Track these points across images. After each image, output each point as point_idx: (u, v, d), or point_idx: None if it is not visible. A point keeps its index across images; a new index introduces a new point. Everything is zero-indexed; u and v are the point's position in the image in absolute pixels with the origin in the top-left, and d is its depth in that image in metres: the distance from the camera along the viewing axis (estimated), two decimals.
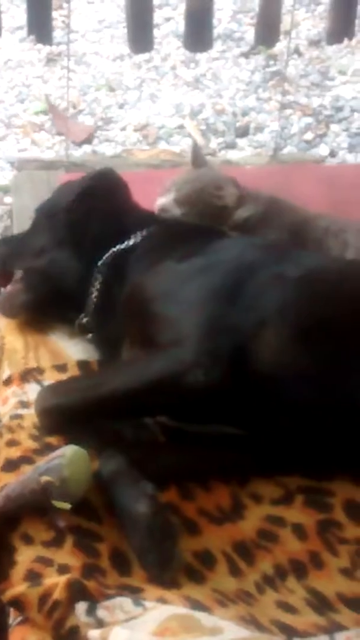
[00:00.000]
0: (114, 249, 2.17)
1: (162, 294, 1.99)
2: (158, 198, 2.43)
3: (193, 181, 2.44)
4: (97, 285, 2.16)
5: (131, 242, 2.18)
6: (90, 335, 2.20)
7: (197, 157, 2.54)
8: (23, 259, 2.28)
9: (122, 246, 2.17)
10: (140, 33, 4.35)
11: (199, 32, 4.33)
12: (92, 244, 2.19)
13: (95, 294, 2.16)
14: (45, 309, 2.28)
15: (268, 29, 4.44)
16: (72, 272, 2.20)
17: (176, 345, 1.86)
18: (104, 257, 2.17)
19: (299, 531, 1.82)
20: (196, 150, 2.59)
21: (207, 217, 2.37)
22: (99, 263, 2.16)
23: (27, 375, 2.12)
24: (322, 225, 2.38)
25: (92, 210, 2.22)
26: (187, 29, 4.29)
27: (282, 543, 1.79)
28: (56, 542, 1.70)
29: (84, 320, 2.18)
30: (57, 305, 2.26)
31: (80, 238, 2.21)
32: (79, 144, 4.05)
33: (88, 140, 4.09)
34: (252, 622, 1.59)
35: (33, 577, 1.63)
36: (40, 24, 4.36)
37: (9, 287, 2.29)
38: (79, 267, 2.19)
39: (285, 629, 1.61)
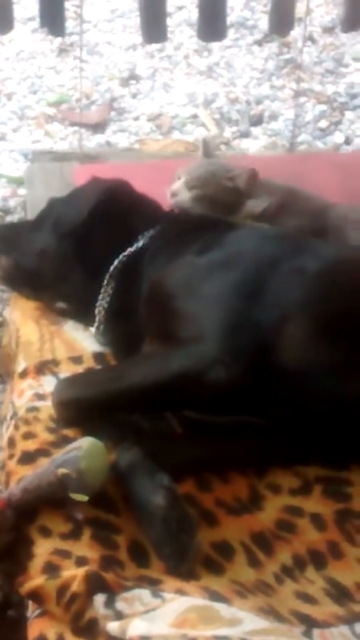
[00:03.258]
0: (124, 254, 2.16)
1: (183, 289, 1.98)
2: (170, 186, 2.43)
3: (204, 166, 2.46)
4: (109, 291, 2.15)
5: (140, 243, 2.17)
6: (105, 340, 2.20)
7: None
8: (19, 252, 2.30)
9: (132, 249, 2.16)
10: (153, 22, 4.32)
11: (212, 21, 4.30)
12: (99, 254, 2.18)
13: (107, 299, 2.15)
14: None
15: (282, 16, 4.40)
16: (79, 283, 2.21)
17: (197, 342, 1.86)
18: (115, 263, 2.15)
19: (318, 521, 1.81)
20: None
21: (219, 204, 2.37)
22: (111, 269, 2.15)
23: (42, 368, 2.12)
24: (341, 214, 2.37)
25: (100, 226, 2.19)
26: (200, 18, 4.27)
27: (300, 533, 1.79)
28: (74, 535, 1.70)
29: (100, 327, 2.18)
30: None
31: (88, 252, 2.20)
32: (93, 129, 4.04)
33: (102, 127, 4.08)
34: (271, 612, 1.59)
35: (51, 569, 1.63)
36: (52, 14, 4.33)
37: None
38: (86, 278, 2.19)
39: (305, 619, 1.61)
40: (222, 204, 2.38)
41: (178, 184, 2.41)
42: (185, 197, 2.39)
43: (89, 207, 2.19)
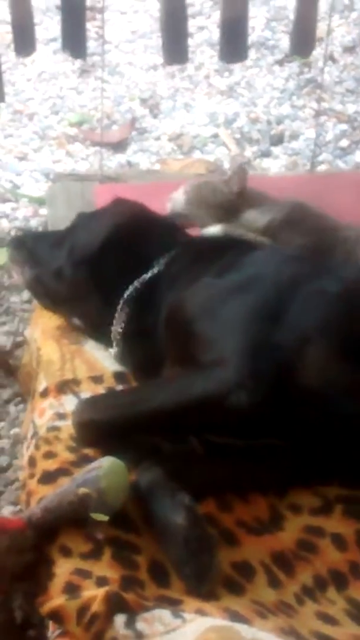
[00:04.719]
0: (139, 280, 2.16)
1: (203, 312, 1.97)
2: None
3: (203, 176, 2.49)
4: (123, 316, 2.15)
5: (155, 269, 2.16)
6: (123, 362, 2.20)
7: None
8: (40, 265, 2.33)
9: (147, 275, 2.16)
10: (174, 43, 4.34)
11: (233, 42, 4.32)
12: (113, 281, 2.17)
13: (121, 324, 2.15)
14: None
15: (303, 36, 4.42)
16: (94, 307, 2.23)
17: (219, 365, 1.85)
18: (130, 290, 2.15)
19: (339, 541, 1.81)
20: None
21: (216, 208, 2.37)
22: (125, 295, 2.15)
23: (63, 387, 2.12)
24: (352, 235, 2.35)
25: (113, 255, 2.20)
26: (221, 39, 4.29)
27: (321, 553, 1.78)
28: (94, 554, 1.70)
29: (118, 350, 2.18)
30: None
31: (102, 279, 2.20)
32: (114, 149, 4.06)
33: (123, 147, 4.10)
34: (292, 633, 1.58)
35: (71, 589, 1.62)
36: (74, 36, 4.37)
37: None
38: (101, 302, 2.20)
39: None
40: (218, 207, 2.39)
41: (176, 191, 2.44)
42: (180, 200, 2.41)
43: (101, 238, 2.20)
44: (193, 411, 1.86)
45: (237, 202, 2.42)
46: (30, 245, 2.38)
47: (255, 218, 2.39)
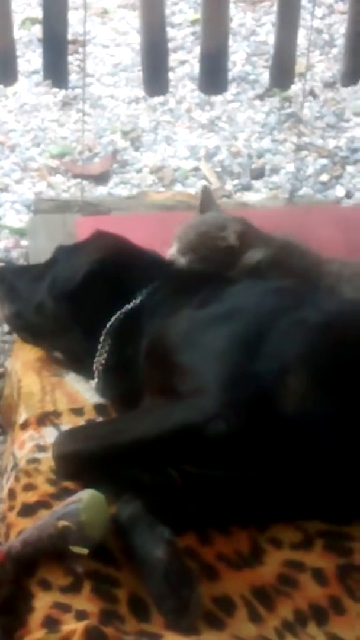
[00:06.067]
0: (121, 311, 2.16)
1: (183, 342, 1.98)
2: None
3: (195, 227, 2.41)
4: (106, 347, 2.15)
5: (137, 300, 2.16)
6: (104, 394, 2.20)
7: (205, 202, 2.51)
8: (20, 301, 2.33)
9: (129, 306, 2.16)
10: (155, 76, 4.37)
11: (213, 75, 4.36)
12: (95, 314, 2.17)
13: (104, 356, 2.15)
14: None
15: (283, 71, 4.46)
16: (76, 340, 2.22)
17: (198, 395, 1.85)
18: (112, 321, 2.15)
19: (319, 576, 1.80)
20: (205, 194, 2.54)
21: (214, 263, 2.35)
22: (108, 326, 2.15)
23: (43, 419, 2.12)
24: (335, 270, 2.35)
25: (94, 290, 2.20)
26: (201, 72, 4.32)
27: (302, 588, 1.78)
28: (74, 588, 1.69)
29: (99, 382, 2.18)
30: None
31: (83, 313, 2.20)
32: (96, 181, 4.07)
33: (104, 179, 4.11)
34: None
35: (51, 623, 1.62)
36: (56, 68, 4.39)
37: None
38: (83, 335, 2.20)
39: None
40: (218, 262, 2.36)
41: (172, 250, 2.39)
42: (180, 262, 2.37)
43: (82, 272, 2.20)
44: (172, 441, 1.85)
45: (237, 250, 2.38)
46: (9, 280, 2.38)
47: (251, 257, 2.37)
